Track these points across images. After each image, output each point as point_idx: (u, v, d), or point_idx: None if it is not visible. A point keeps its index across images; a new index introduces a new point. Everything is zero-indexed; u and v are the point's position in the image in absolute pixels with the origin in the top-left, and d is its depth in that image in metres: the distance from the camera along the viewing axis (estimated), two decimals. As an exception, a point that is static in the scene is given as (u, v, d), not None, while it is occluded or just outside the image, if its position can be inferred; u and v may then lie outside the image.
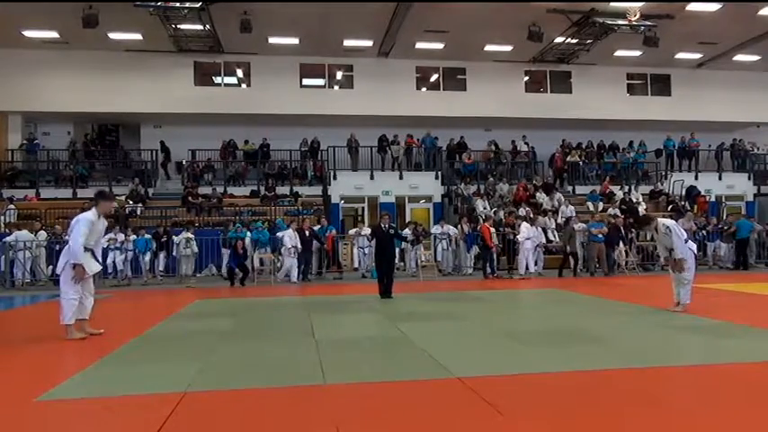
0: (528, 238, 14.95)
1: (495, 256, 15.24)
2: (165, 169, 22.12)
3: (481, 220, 15.93)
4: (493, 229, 15.27)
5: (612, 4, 18.04)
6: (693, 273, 8.06)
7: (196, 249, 14.90)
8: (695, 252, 8.28)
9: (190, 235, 14.80)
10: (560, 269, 15.02)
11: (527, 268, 14.81)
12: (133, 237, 15.04)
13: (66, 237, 6.90)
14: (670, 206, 20.65)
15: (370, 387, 4.46)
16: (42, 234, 15.30)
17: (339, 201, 21.30)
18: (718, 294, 10.87)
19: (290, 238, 14.58)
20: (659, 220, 8.34)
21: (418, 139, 22.51)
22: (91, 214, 6.74)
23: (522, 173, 22.82)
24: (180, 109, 21.27)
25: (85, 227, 6.60)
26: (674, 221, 8.48)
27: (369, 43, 21.02)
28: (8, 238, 14.66)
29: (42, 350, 6.24)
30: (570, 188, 22.33)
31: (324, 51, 21.38)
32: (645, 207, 20.05)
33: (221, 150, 21.94)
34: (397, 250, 13.95)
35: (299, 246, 14.50)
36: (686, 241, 8.06)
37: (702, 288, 11.74)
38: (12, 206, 17.84)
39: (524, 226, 15.22)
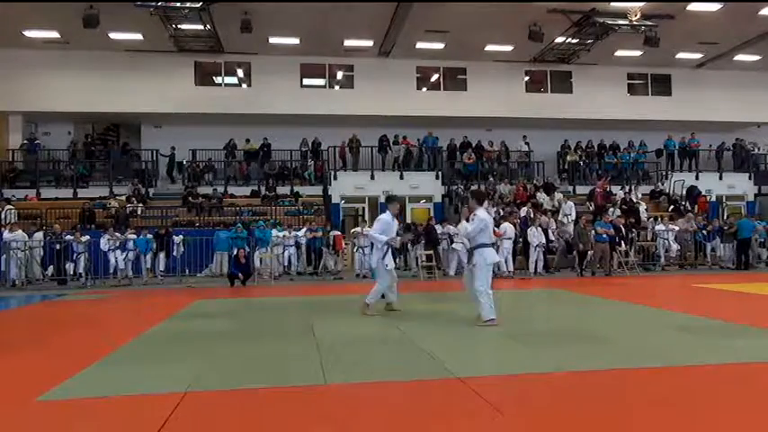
0: (509, 238, 15.02)
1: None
2: (170, 175, 21.95)
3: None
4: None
5: (613, 3, 18.02)
6: (489, 284, 7.01)
7: None
8: (489, 261, 7.03)
9: None
10: (580, 267, 15.32)
11: (506, 268, 14.81)
12: (134, 236, 15.03)
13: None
14: (671, 206, 20.63)
15: (370, 387, 4.46)
16: (38, 235, 15.25)
17: (340, 201, 21.29)
18: (719, 294, 10.87)
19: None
20: (480, 210, 7.13)
21: (418, 140, 22.51)
22: (388, 215, 8.21)
23: (523, 173, 22.80)
24: (180, 109, 21.25)
25: (381, 226, 8.13)
26: (490, 218, 7.32)
27: (369, 43, 21.00)
28: (5, 237, 14.62)
29: (42, 350, 6.24)
30: (571, 188, 22.32)
31: (324, 51, 21.37)
32: (645, 207, 20.03)
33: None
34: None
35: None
36: (490, 246, 7.13)
37: (703, 288, 11.77)
38: (10, 206, 17.39)
39: (505, 225, 15.24)
